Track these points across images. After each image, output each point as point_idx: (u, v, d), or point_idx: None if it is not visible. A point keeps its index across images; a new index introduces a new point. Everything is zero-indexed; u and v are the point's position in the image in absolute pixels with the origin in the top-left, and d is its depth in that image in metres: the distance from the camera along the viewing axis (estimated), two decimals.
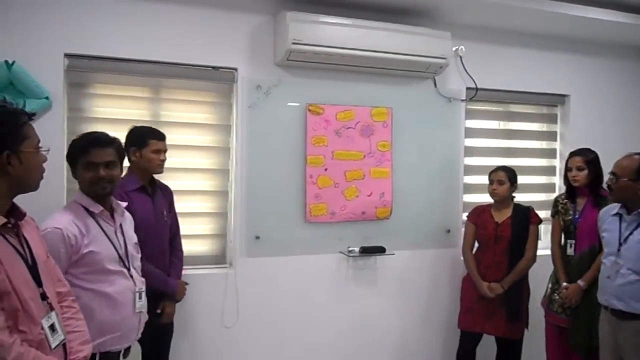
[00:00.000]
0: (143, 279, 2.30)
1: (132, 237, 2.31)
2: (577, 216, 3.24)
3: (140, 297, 2.21)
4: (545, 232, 4.32)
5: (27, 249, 1.64)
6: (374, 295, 3.65)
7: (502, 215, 3.43)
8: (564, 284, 3.19)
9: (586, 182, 3.19)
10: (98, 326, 2.03)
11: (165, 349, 2.95)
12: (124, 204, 2.34)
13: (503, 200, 3.43)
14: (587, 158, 3.22)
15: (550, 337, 3.37)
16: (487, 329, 3.41)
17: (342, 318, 3.57)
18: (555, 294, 3.27)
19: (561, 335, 3.27)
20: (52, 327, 1.62)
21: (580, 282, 3.12)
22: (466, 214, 3.66)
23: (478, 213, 3.53)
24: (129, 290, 2.17)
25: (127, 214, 2.35)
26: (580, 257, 3.18)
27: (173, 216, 2.95)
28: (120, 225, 2.24)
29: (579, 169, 3.22)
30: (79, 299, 1.94)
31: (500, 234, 3.38)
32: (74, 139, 2.27)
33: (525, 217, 3.41)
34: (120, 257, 2.16)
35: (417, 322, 3.77)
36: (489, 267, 3.38)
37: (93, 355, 1.94)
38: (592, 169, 3.20)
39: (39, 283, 1.62)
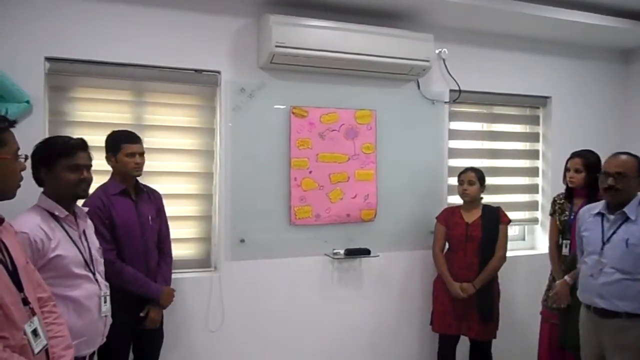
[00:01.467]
0: (107, 283, 2.31)
1: (95, 242, 2.33)
2: (572, 217, 3.24)
3: (105, 301, 2.23)
4: (529, 232, 4.39)
5: (6, 255, 1.62)
6: (359, 297, 3.66)
7: (472, 216, 3.46)
8: (557, 282, 3.21)
9: (582, 184, 3.20)
10: None
11: (153, 357, 2.92)
12: (86, 209, 2.34)
13: (473, 200, 3.46)
14: (586, 161, 3.21)
15: (543, 335, 3.40)
16: (462, 330, 3.44)
17: (328, 320, 3.57)
18: (551, 291, 3.29)
19: (553, 332, 3.31)
20: (34, 332, 1.61)
21: (567, 278, 3.13)
22: None
23: (448, 214, 3.55)
24: (94, 294, 2.19)
25: (88, 219, 2.36)
26: (573, 257, 3.18)
27: (162, 221, 2.94)
28: (84, 230, 2.25)
29: (577, 171, 3.23)
30: None
31: (471, 234, 3.40)
32: (47, 141, 2.25)
33: (495, 217, 3.45)
34: (85, 261, 2.17)
35: (403, 323, 3.78)
36: (461, 268, 3.40)
37: None
38: (589, 172, 3.17)
39: (20, 288, 1.61)
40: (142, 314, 2.75)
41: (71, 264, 2.09)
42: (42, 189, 2.21)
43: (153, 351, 2.91)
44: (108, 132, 2.81)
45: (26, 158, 1.71)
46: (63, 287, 2.06)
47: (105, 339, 2.29)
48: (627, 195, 2.62)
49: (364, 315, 3.67)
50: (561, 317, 3.20)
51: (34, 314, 1.64)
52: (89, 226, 2.33)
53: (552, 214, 3.45)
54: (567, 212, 3.31)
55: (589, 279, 2.68)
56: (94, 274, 2.20)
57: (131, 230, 2.72)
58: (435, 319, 3.54)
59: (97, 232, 2.53)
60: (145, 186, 2.91)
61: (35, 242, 2.00)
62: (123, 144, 2.74)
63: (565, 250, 3.29)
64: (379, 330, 3.73)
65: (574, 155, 3.31)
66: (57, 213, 2.13)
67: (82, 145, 2.23)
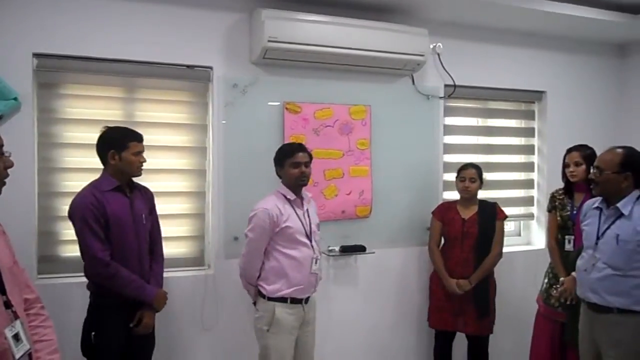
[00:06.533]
0: (320, 249, 2.96)
1: (315, 219, 2.98)
2: (574, 212, 3.24)
3: (316, 263, 2.87)
4: (525, 228, 4.37)
5: None
6: (355, 294, 3.64)
7: (469, 212, 3.44)
8: (562, 278, 3.17)
9: (584, 177, 3.20)
10: (288, 281, 2.78)
11: None
12: (309, 194, 2.99)
13: (473, 197, 3.43)
14: (584, 153, 3.24)
15: (543, 333, 3.36)
16: (458, 327, 3.43)
17: (324, 317, 3.53)
18: (554, 289, 3.26)
19: (555, 330, 3.28)
20: (16, 337, 1.56)
21: (575, 274, 3.12)
22: None
23: (444, 210, 3.53)
24: (309, 256, 2.85)
25: (312, 202, 3.04)
26: (578, 252, 3.17)
27: (154, 220, 2.82)
28: (307, 209, 2.92)
29: (577, 164, 3.24)
30: (277, 261, 2.77)
31: (467, 230, 3.39)
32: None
33: (492, 213, 3.43)
34: (306, 232, 2.85)
35: (399, 319, 3.77)
36: (457, 264, 3.39)
37: (285, 299, 2.76)
38: (589, 164, 3.17)
39: (2, 291, 1.56)
40: (132, 324, 2.60)
41: (296, 233, 2.80)
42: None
43: (144, 357, 2.79)
44: (98, 129, 2.67)
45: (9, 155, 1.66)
46: (290, 249, 2.79)
47: (316, 290, 2.93)
48: (608, 189, 2.62)
49: (360, 312, 3.65)
50: (569, 315, 3.17)
51: (16, 317, 1.59)
52: (312, 207, 3.00)
53: (550, 210, 3.43)
54: (568, 207, 3.29)
55: (583, 274, 2.69)
56: (310, 242, 2.86)
57: (126, 228, 2.57)
58: (431, 315, 3.53)
59: (91, 231, 2.45)
60: (137, 184, 2.80)
61: (272, 216, 2.74)
62: (131, 142, 2.59)
63: (568, 246, 3.27)
64: (376, 327, 3.70)
65: (571, 149, 3.32)
66: (288, 196, 2.83)
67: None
